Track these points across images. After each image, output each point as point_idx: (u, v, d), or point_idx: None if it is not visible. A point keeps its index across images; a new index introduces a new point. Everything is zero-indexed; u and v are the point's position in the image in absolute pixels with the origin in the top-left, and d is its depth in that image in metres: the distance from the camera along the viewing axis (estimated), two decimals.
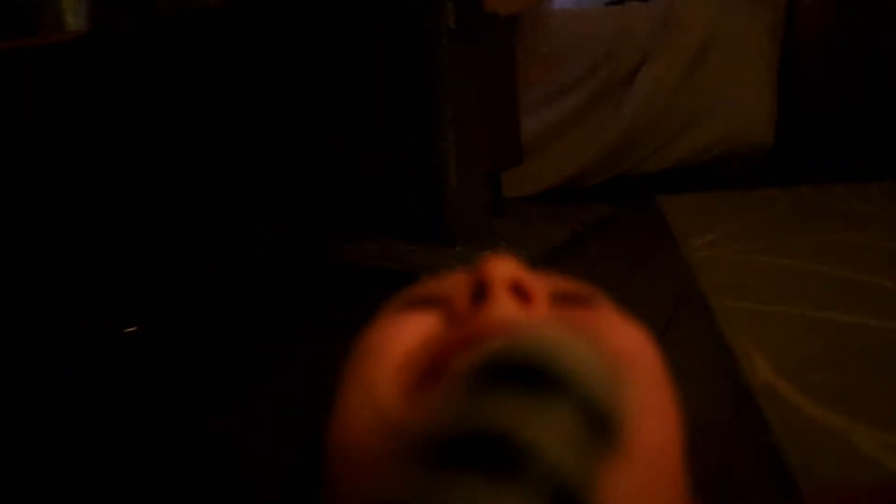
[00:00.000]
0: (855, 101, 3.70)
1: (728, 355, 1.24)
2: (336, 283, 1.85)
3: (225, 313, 1.74)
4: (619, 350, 0.46)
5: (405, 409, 0.44)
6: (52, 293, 1.82)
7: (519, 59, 2.61)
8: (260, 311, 1.74)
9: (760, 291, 1.52)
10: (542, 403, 0.30)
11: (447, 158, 1.96)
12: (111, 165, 2.01)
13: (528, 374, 0.31)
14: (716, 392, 1.13)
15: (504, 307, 0.48)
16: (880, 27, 3.64)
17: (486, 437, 0.29)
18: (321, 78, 2.13)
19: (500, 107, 2.36)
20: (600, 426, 0.31)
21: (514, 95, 2.51)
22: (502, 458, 0.28)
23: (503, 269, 0.50)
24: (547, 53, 2.87)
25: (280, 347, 1.51)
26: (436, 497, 0.28)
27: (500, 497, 0.27)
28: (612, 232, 2.30)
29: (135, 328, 1.64)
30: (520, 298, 0.49)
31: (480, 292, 0.49)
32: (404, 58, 2.02)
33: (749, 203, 2.48)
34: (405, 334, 0.49)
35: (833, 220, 2.08)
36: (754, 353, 1.21)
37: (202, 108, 2.12)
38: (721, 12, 3.09)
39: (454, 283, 0.52)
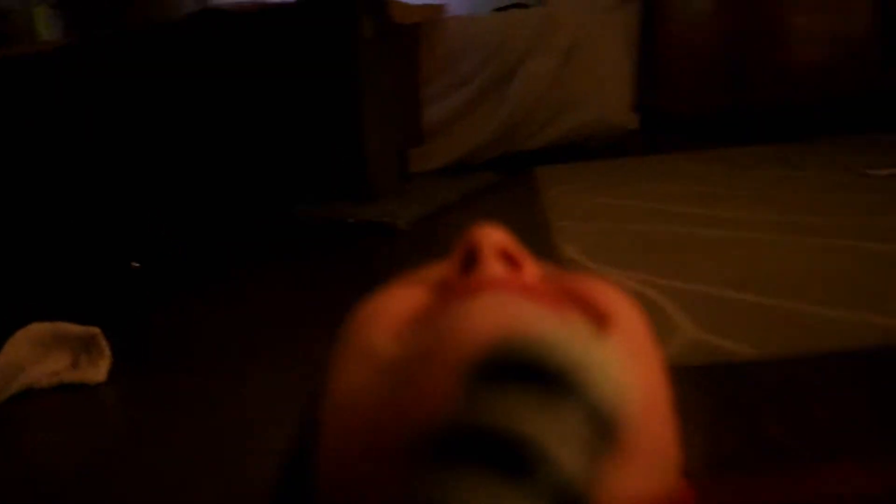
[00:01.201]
0: (705, 93, 4.43)
1: (553, 252, 1.84)
2: (295, 231, 2.47)
3: (210, 253, 2.32)
4: (608, 313, 0.47)
5: (395, 346, 0.46)
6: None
7: (420, 59, 3.20)
8: (241, 249, 2.34)
9: (588, 216, 2.15)
10: (553, 406, 0.29)
11: (368, 139, 2.57)
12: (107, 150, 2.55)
13: (536, 373, 0.30)
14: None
15: (494, 269, 0.48)
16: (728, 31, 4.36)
17: (493, 436, 0.28)
18: (274, 79, 2.69)
19: (406, 98, 2.96)
20: (605, 430, 0.30)
21: (416, 88, 3.12)
22: (510, 458, 0.28)
23: (492, 236, 0.50)
24: (443, 54, 3.30)
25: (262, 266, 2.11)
26: (440, 493, 0.28)
27: (505, 496, 0.27)
28: (494, 195, 2.93)
29: (138, 265, 2.19)
30: (509, 264, 0.49)
31: (470, 260, 0.49)
32: (334, 61, 2.60)
33: (603, 169, 3.11)
34: (399, 303, 0.49)
35: (661, 175, 2.71)
36: (570, 247, 1.84)
37: (177, 105, 2.67)
38: (587, 19, 3.67)
39: (443, 266, 0.52)
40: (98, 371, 1.24)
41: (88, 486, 1.06)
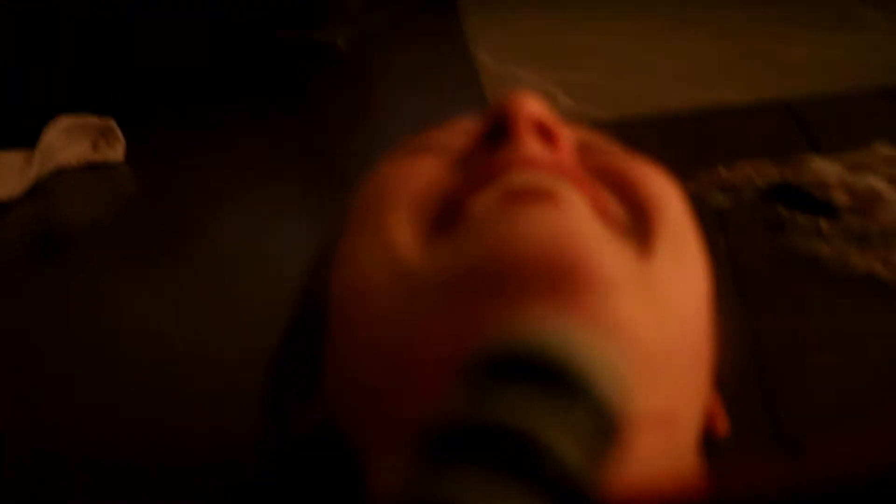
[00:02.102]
0: None
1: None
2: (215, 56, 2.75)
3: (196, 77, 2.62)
4: (650, 197, 0.45)
5: (422, 254, 0.42)
6: None
7: None
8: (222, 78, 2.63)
9: (507, 30, 2.51)
10: (557, 402, 0.29)
11: None
12: None
13: (539, 369, 0.30)
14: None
15: (528, 146, 0.44)
16: None
17: (496, 432, 0.28)
18: None
19: None
20: (609, 426, 0.30)
21: None
22: (513, 455, 0.28)
23: (529, 106, 0.45)
24: None
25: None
26: (442, 490, 0.28)
27: (508, 493, 0.27)
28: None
29: None
30: (545, 140, 0.46)
31: (499, 130, 0.45)
32: None
33: None
34: (414, 179, 0.45)
35: None
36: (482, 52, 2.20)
37: None
38: None
39: (461, 130, 0.49)
40: (116, 152, 1.60)
41: (110, 235, 1.44)
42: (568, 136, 0.48)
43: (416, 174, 0.46)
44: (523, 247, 0.39)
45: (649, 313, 0.40)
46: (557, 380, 0.29)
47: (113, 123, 1.61)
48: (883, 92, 1.55)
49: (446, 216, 0.43)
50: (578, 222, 0.41)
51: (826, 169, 1.23)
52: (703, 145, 1.44)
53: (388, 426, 0.42)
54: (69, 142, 1.60)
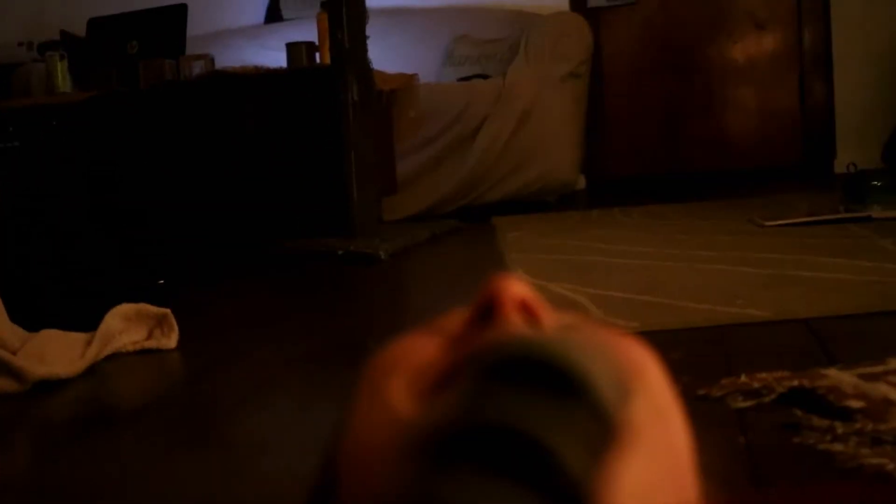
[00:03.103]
0: (644, 159, 5.00)
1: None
2: (289, 260, 2.93)
3: (217, 276, 2.78)
4: (631, 362, 0.46)
5: (417, 410, 0.44)
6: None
7: (394, 120, 3.72)
8: (245, 273, 2.79)
9: (536, 250, 2.65)
10: (558, 406, 0.29)
11: (351, 183, 3.06)
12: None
13: (541, 374, 0.30)
14: None
15: (513, 323, 0.47)
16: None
17: (499, 435, 0.29)
18: (271, 133, 3.19)
19: (382, 152, 3.46)
20: (609, 430, 0.31)
21: (391, 145, 3.63)
22: (516, 458, 0.28)
23: (513, 288, 0.49)
24: (414, 116, 3.75)
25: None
26: (447, 492, 0.28)
27: (511, 495, 0.27)
28: (458, 236, 3.43)
29: (162, 282, 2.64)
30: (528, 317, 0.49)
31: (488, 311, 0.49)
32: (326, 119, 3.11)
33: (554, 219, 3.63)
34: (416, 353, 0.49)
35: (598, 223, 3.24)
36: (519, 269, 2.33)
37: (189, 153, 3.15)
38: (540, 88, 4.15)
39: (459, 316, 0.52)
40: (170, 341, 1.70)
41: (160, 414, 1.51)
42: (551, 314, 0.51)
43: (416, 350, 0.49)
44: None
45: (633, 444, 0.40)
46: (557, 382, 0.30)
47: (169, 314, 1.72)
48: None
49: (443, 383, 0.45)
50: None
51: (842, 378, 1.29)
52: (725, 356, 1.51)
53: None
54: (127, 328, 1.71)
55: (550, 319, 0.50)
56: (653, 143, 5.00)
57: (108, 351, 1.65)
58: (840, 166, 4.43)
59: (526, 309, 0.49)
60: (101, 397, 1.60)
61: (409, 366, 0.48)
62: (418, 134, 3.87)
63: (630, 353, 0.46)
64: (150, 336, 1.71)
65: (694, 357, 1.50)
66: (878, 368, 1.30)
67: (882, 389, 1.23)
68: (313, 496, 0.56)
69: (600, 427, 0.31)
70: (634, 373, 0.44)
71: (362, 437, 0.47)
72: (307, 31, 3.72)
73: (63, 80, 3.73)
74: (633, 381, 0.43)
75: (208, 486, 1.20)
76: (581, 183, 4.77)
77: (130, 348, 1.68)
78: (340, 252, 2.84)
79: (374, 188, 3.21)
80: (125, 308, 1.69)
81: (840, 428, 1.14)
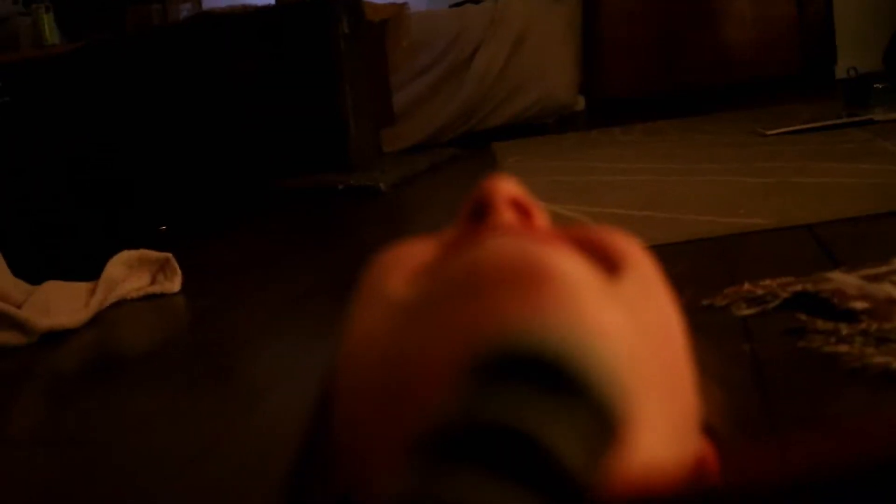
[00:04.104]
0: (642, 77, 4.93)
1: None
2: (285, 200, 2.92)
3: (218, 218, 2.77)
4: (619, 250, 0.46)
5: (408, 290, 0.46)
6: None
7: (388, 51, 3.67)
8: (242, 219, 2.79)
9: (536, 172, 2.62)
10: (556, 402, 0.29)
11: (348, 117, 3.03)
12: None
13: (538, 369, 0.30)
14: None
15: (505, 217, 0.48)
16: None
17: (495, 432, 0.28)
18: (263, 72, 3.15)
19: (377, 84, 3.43)
20: (610, 428, 0.30)
21: (386, 76, 3.58)
22: (513, 455, 0.27)
23: (504, 186, 0.49)
24: (407, 46, 3.68)
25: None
26: (441, 491, 0.27)
27: (508, 494, 0.27)
28: (458, 164, 3.40)
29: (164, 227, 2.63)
30: (520, 213, 0.49)
31: (480, 210, 0.49)
32: (318, 54, 3.07)
33: (553, 141, 3.60)
34: (413, 255, 0.49)
35: (598, 144, 3.21)
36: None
37: (180, 96, 3.12)
38: (532, 11, 4.11)
39: (450, 229, 0.52)
40: (174, 285, 1.70)
41: (168, 358, 1.52)
42: (542, 211, 0.51)
43: (411, 252, 0.50)
44: (493, 257, 0.43)
45: (626, 318, 0.42)
46: (557, 380, 0.29)
47: (171, 258, 1.72)
48: None
49: (435, 268, 0.47)
50: (544, 244, 0.44)
51: (845, 280, 1.28)
52: (729, 266, 1.51)
53: (394, 449, 0.40)
54: (130, 275, 1.71)
55: (542, 217, 0.50)
56: (651, 61, 4.92)
57: (112, 299, 1.65)
58: (841, 72, 4.36)
59: (518, 207, 0.49)
60: (108, 345, 1.61)
61: (404, 265, 0.48)
62: (413, 63, 3.84)
63: (619, 245, 0.47)
64: (153, 281, 1.71)
65: (698, 269, 1.49)
66: (882, 269, 1.30)
67: (886, 289, 1.22)
68: (310, 425, 0.56)
69: (601, 425, 0.30)
70: (622, 255, 0.45)
71: (360, 331, 0.47)
72: None
73: (50, 31, 3.69)
74: (621, 262, 0.45)
75: (220, 425, 1.21)
76: (580, 104, 4.71)
77: (134, 295, 1.69)
78: (340, 187, 2.83)
79: (371, 120, 3.18)
80: (127, 255, 1.69)
81: (845, 329, 1.14)
